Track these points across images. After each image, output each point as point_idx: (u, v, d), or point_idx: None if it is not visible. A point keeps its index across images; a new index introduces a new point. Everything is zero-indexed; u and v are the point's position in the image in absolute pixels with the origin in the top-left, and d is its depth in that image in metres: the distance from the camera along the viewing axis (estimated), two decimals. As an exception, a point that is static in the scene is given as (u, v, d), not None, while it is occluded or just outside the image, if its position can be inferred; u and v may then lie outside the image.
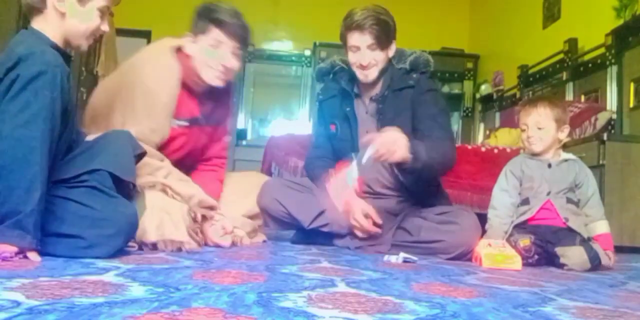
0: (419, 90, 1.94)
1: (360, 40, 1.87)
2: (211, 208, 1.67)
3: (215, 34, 1.63)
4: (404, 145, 1.64)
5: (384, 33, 1.87)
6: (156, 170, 1.57)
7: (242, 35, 1.66)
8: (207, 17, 1.63)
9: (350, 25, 1.88)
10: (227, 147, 1.97)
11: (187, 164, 1.80)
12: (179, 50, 1.68)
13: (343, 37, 1.93)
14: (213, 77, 1.67)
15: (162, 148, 1.68)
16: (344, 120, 2.02)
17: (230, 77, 1.71)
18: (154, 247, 1.42)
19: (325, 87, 2.16)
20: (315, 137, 2.18)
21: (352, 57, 1.92)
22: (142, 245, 1.42)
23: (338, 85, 2.06)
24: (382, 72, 1.95)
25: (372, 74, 1.92)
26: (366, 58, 1.88)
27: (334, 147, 2.07)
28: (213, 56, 1.64)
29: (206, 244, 1.67)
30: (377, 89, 1.99)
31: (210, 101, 1.77)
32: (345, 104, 2.01)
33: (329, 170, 1.93)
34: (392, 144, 1.63)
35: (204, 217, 1.64)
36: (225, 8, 1.64)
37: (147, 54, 1.67)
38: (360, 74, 1.93)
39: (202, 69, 1.65)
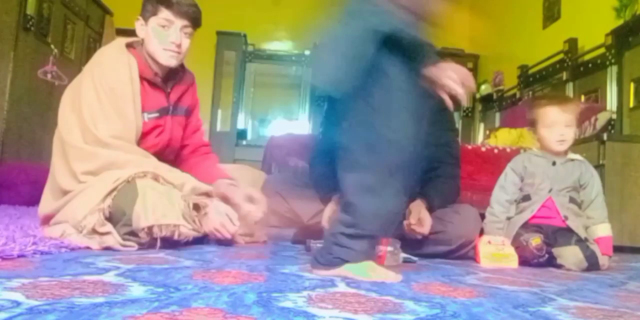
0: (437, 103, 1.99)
1: None
2: (206, 194, 1.69)
3: (164, 14, 1.70)
4: (428, 217, 1.75)
5: None
6: (142, 165, 1.57)
7: (190, 14, 1.73)
8: (155, 0, 1.70)
9: None
10: (204, 134, 2.06)
11: (169, 157, 1.83)
12: (129, 46, 1.75)
13: None
14: (167, 57, 1.73)
15: (140, 143, 1.71)
16: None
17: (182, 56, 1.77)
18: (150, 231, 1.42)
19: None
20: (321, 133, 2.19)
21: None
22: (137, 232, 1.41)
23: None
24: None
25: None
26: None
27: None
28: (163, 36, 1.71)
29: (205, 235, 1.68)
30: None
31: (175, 90, 1.83)
32: None
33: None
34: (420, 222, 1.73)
35: (197, 206, 1.64)
36: None
37: (102, 55, 1.73)
38: None
39: (156, 50, 1.72)
